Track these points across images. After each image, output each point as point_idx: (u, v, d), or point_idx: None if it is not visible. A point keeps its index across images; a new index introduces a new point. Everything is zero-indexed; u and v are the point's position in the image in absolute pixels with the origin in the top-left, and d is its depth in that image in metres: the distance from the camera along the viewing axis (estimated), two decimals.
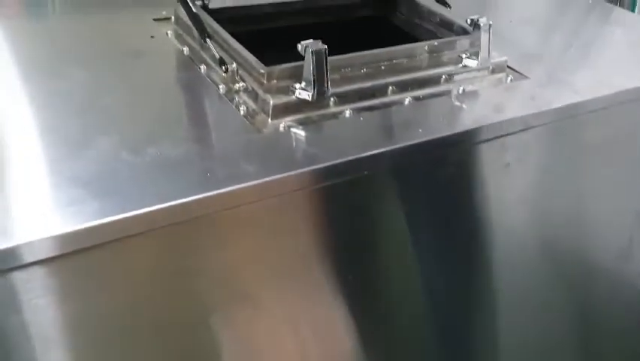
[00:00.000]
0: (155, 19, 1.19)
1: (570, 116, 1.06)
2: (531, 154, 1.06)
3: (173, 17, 1.16)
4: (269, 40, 1.23)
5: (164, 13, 1.20)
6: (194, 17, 1.05)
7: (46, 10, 1.31)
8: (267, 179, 0.78)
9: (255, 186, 0.77)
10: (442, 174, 0.98)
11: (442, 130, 0.94)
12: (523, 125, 1.01)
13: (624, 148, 1.20)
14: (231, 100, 0.97)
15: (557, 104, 1.04)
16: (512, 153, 1.02)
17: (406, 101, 1.01)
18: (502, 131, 0.99)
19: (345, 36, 1.33)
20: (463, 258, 1.07)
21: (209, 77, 1.02)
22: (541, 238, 1.16)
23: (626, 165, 1.23)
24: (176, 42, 1.13)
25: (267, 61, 0.98)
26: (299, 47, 0.92)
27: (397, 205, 0.97)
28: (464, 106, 1.02)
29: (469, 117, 1.00)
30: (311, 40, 0.92)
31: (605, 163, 1.17)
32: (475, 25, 1.07)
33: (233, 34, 1.05)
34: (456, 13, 1.22)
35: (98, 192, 0.72)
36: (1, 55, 1.05)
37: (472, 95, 1.05)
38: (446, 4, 1.25)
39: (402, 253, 0.99)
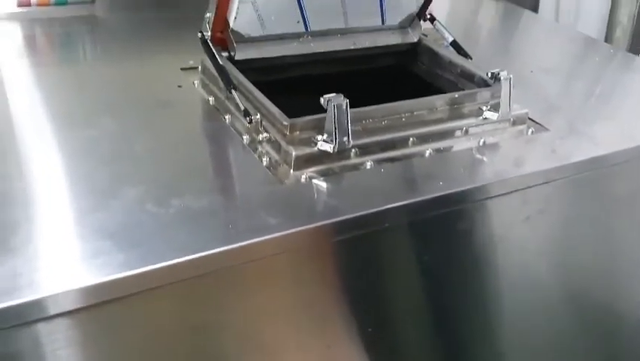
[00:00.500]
0: (182, 69, 1.23)
1: (591, 169, 1.06)
2: (552, 207, 1.06)
3: (200, 67, 1.19)
4: (293, 88, 1.27)
5: (191, 62, 1.23)
6: (220, 69, 1.08)
7: (77, 56, 1.36)
8: (289, 231, 0.79)
9: (276, 238, 0.79)
10: (462, 227, 0.99)
11: (462, 183, 0.95)
12: (544, 179, 1.01)
13: None
14: (254, 150, 0.99)
15: (578, 157, 1.05)
16: (533, 206, 1.03)
17: (427, 153, 1.02)
18: (523, 185, 0.99)
19: (367, 84, 1.36)
20: (485, 310, 1.07)
21: (233, 127, 1.04)
22: (562, 290, 1.15)
23: None
24: (202, 91, 1.16)
25: (290, 108, 1.00)
26: (322, 100, 0.94)
27: (418, 257, 0.97)
28: (485, 159, 1.03)
29: (490, 170, 1.00)
30: (333, 94, 0.94)
31: (626, 216, 1.17)
32: (496, 78, 1.08)
33: (257, 83, 1.08)
34: (477, 62, 1.24)
35: (122, 244, 0.74)
36: (33, 102, 1.09)
37: (493, 147, 1.06)
38: (467, 56, 1.27)
39: (422, 306, 0.99)
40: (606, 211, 1.15)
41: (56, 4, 1.42)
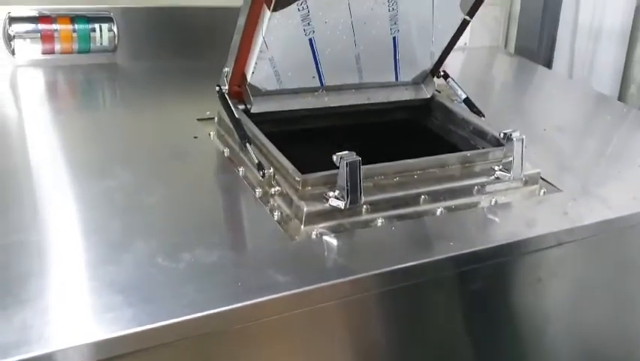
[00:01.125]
0: (199, 119, 1.25)
1: (603, 232, 1.06)
2: (564, 269, 1.05)
3: (216, 118, 1.22)
4: (307, 140, 1.29)
5: (208, 113, 1.25)
6: (236, 122, 1.10)
7: (97, 103, 1.39)
8: (297, 291, 0.79)
9: (284, 297, 0.79)
10: (472, 288, 0.98)
11: (473, 244, 0.95)
12: (556, 241, 1.00)
13: None
14: (266, 203, 1.00)
15: (590, 220, 1.04)
16: (544, 269, 1.02)
17: (438, 212, 1.02)
18: (534, 247, 0.99)
19: (380, 137, 1.37)
20: None
21: (246, 179, 1.06)
22: (574, 353, 1.13)
23: None
24: (218, 142, 1.18)
25: (304, 159, 1.01)
26: (334, 157, 0.95)
27: (428, 317, 0.97)
28: (496, 219, 1.03)
29: (501, 231, 1.00)
30: (346, 152, 0.95)
31: (636, 279, 1.15)
32: (509, 138, 1.09)
33: (272, 134, 1.10)
34: (490, 119, 1.25)
35: (132, 299, 0.74)
36: (52, 149, 1.12)
37: (505, 207, 1.06)
38: (480, 113, 1.29)
39: None
40: (619, 274, 1.14)
41: (79, 52, 1.46)
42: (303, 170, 0.99)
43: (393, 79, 1.34)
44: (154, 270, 0.80)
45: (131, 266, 0.81)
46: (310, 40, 1.15)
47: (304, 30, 1.13)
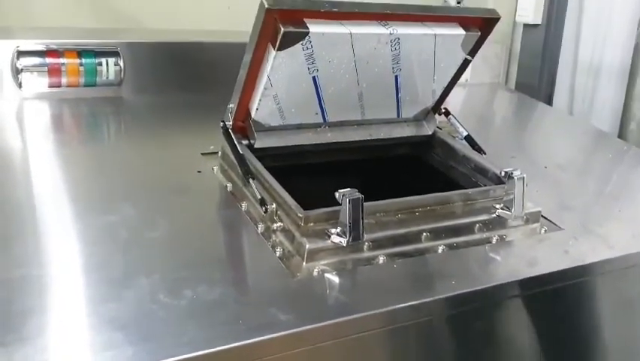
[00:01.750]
0: (203, 153, 1.26)
1: (605, 271, 1.06)
2: (565, 309, 1.05)
3: (220, 152, 1.23)
4: (310, 174, 1.29)
5: (212, 147, 1.26)
6: (239, 158, 1.11)
7: (101, 137, 1.40)
8: (298, 330, 0.79)
9: (285, 336, 0.78)
10: (475, 326, 0.98)
11: (474, 283, 0.95)
12: (557, 281, 1.00)
13: None
14: (268, 239, 1.00)
15: (591, 259, 1.04)
16: (546, 307, 1.02)
17: (440, 249, 1.03)
18: (536, 286, 0.99)
19: (382, 172, 1.38)
20: None
21: (249, 214, 1.06)
22: None
23: None
24: (221, 177, 1.19)
25: (307, 194, 1.02)
26: (336, 195, 0.96)
27: (430, 355, 0.96)
28: (498, 258, 1.03)
29: (503, 270, 1.00)
30: (348, 189, 0.96)
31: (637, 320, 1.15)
32: (510, 177, 1.10)
33: (275, 168, 1.11)
34: (492, 156, 1.26)
35: (133, 337, 0.74)
36: (55, 183, 1.12)
37: (506, 245, 1.06)
38: (481, 151, 1.30)
39: None
40: (621, 314, 1.13)
41: (85, 85, 1.48)
42: (305, 206, 1.00)
43: (395, 116, 1.35)
44: (155, 307, 0.80)
45: (132, 303, 0.81)
46: (314, 78, 1.17)
47: (308, 68, 1.15)
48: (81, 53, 1.45)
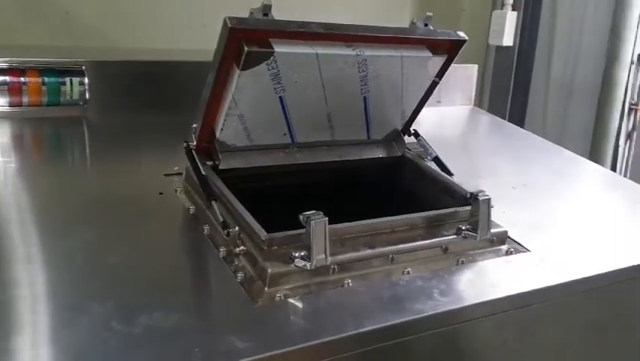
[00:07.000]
0: (166, 175, 1.23)
1: (570, 294, 1.05)
2: (530, 331, 1.04)
3: (184, 174, 1.20)
4: (278, 196, 1.27)
5: (176, 168, 1.24)
6: (202, 180, 1.09)
7: (64, 158, 1.37)
8: (256, 357, 0.77)
9: None
10: (439, 349, 0.96)
11: (438, 306, 0.93)
12: (521, 303, 0.99)
13: (625, 324, 1.17)
14: (231, 263, 0.98)
15: (556, 280, 1.04)
16: (510, 331, 1.00)
17: (406, 271, 1.01)
18: (499, 309, 0.98)
19: (350, 194, 1.37)
20: None
21: (211, 238, 1.04)
22: None
23: (627, 342, 1.20)
24: (184, 198, 1.16)
25: (274, 217, 1.00)
26: (300, 217, 0.94)
27: None
28: (463, 279, 1.02)
29: (467, 292, 0.99)
30: (312, 212, 0.94)
31: (604, 339, 1.14)
32: (475, 198, 1.09)
33: (241, 190, 1.09)
34: (461, 176, 1.26)
35: None
36: (16, 207, 1.09)
37: (471, 267, 1.05)
38: (449, 173, 1.29)
39: None
40: (586, 336, 1.12)
41: (48, 104, 1.45)
42: (271, 229, 0.98)
43: (365, 137, 1.35)
44: (108, 334, 0.77)
45: (86, 331, 0.78)
46: (281, 98, 1.16)
47: (274, 88, 1.13)
48: (44, 72, 1.42)
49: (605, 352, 1.18)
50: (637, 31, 2.21)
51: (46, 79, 1.42)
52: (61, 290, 0.87)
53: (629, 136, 2.34)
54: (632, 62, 2.22)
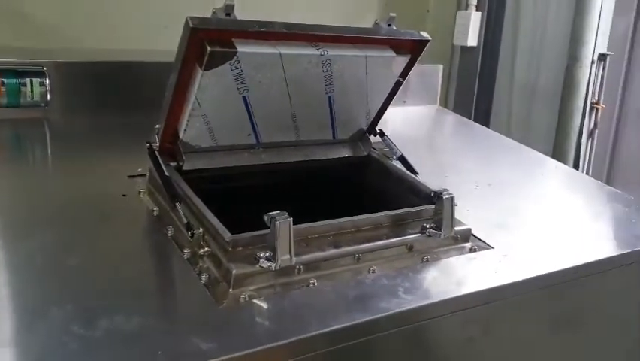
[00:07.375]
0: (129, 176, 1.22)
1: (532, 290, 1.07)
2: (495, 328, 1.05)
3: (147, 175, 1.19)
4: (243, 197, 1.27)
5: (140, 170, 1.22)
6: (165, 181, 1.07)
7: (25, 160, 1.34)
8: (220, 359, 0.76)
9: None
10: (405, 347, 0.97)
11: (403, 304, 0.94)
12: (485, 300, 1.01)
13: (589, 319, 1.20)
14: (195, 265, 0.97)
15: (520, 277, 1.05)
16: (475, 327, 1.02)
17: (371, 270, 1.02)
18: (464, 305, 0.99)
19: (316, 194, 1.37)
20: None
21: (175, 240, 1.03)
22: None
23: (593, 337, 1.22)
24: (148, 200, 1.15)
25: (239, 218, 0.99)
26: (265, 217, 0.94)
27: None
28: (427, 276, 1.03)
29: (432, 290, 1.00)
30: (277, 212, 0.94)
31: (569, 336, 1.16)
32: (439, 197, 1.10)
33: (206, 192, 1.08)
34: (426, 175, 1.27)
35: None
36: None
37: (436, 265, 1.06)
38: (414, 172, 1.30)
39: None
40: (551, 332, 1.14)
41: (7, 105, 1.42)
42: (236, 230, 0.97)
43: (331, 137, 1.35)
44: (67, 338, 0.76)
45: (45, 335, 0.77)
46: (244, 98, 1.15)
47: (238, 88, 1.13)
48: (3, 73, 1.39)
49: (570, 347, 1.20)
50: (597, 31, 2.26)
51: (5, 80, 1.39)
52: (20, 293, 0.85)
53: (590, 134, 2.39)
54: (592, 62, 2.27)
